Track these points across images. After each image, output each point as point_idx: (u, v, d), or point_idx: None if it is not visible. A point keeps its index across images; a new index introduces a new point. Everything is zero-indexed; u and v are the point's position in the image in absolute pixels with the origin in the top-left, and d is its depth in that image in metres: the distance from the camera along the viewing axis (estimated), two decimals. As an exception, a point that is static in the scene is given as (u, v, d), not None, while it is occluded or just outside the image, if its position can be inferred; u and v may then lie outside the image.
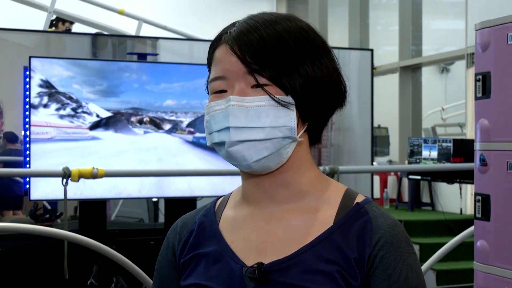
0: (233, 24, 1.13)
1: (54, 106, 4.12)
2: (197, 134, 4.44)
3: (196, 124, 4.44)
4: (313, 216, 1.12)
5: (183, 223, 1.22)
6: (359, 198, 1.14)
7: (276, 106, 1.07)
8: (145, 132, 4.33)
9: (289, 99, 1.08)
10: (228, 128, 1.07)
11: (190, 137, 4.42)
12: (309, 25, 1.14)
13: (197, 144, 4.44)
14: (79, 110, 4.18)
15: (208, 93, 1.15)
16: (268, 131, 1.07)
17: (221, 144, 1.09)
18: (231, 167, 4.75)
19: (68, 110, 4.16)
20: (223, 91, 1.10)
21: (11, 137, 5.14)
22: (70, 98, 4.16)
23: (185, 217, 1.24)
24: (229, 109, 1.07)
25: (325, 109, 1.12)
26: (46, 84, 4.10)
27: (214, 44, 1.13)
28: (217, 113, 1.09)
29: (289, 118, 1.08)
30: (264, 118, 1.07)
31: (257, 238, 1.12)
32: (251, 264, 1.09)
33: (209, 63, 1.15)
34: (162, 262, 1.22)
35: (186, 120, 4.41)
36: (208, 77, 1.14)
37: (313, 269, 1.07)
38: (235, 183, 4.38)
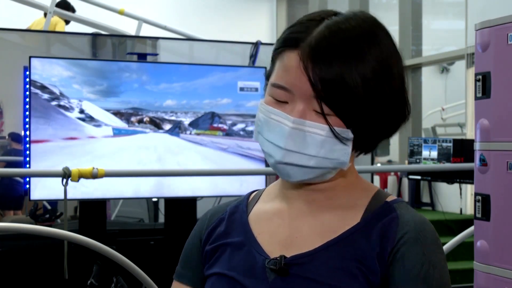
0: (311, 28, 1.04)
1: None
2: (197, 133, 4.44)
3: (199, 123, 4.44)
4: (341, 214, 1.11)
5: (215, 211, 1.24)
6: (389, 198, 1.13)
7: (333, 138, 1.04)
8: (115, 132, 4.33)
9: (349, 133, 1.05)
10: (281, 148, 1.05)
11: (224, 142, 4.41)
12: (393, 47, 1.07)
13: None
14: (61, 103, 4.13)
15: (265, 83, 1.11)
16: (319, 160, 1.05)
17: (268, 154, 1.08)
18: (231, 167, 4.69)
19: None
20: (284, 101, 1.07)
21: (16, 137, 5.16)
22: (43, 87, 4.13)
23: (217, 206, 1.26)
24: (287, 129, 1.04)
25: (382, 138, 1.11)
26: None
27: (286, 45, 1.06)
28: (273, 122, 1.06)
29: (343, 152, 1.06)
30: (318, 147, 1.04)
31: (284, 232, 1.13)
32: (274, 257, 1.10)
33: (275, 56, 1.10)
34: (189, 244, 1.24)
35: (186, 120, 4.41)
36: (269, 72, 1.11)
37: (333, 265, 1.06)
38: (235, 183, 4.38)
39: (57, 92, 4.11)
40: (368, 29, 1.05)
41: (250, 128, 4.53)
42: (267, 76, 1.12)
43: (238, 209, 1.21)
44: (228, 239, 1.17)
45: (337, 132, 1.03)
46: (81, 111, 4.17)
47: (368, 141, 1.08)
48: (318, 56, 1.01)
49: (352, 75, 1.01)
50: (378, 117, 1.05)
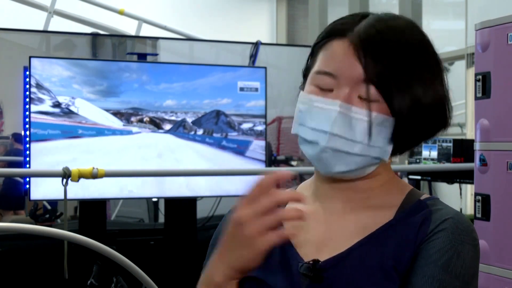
0: (357, 20, 1.07)
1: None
2: (200, 133, 4.44)
3: (202, 123, 4.44)
4: (375, 213, 1.10)
5: None
6: (423, 196, 1.12)
7: (379, 126, 1.04)
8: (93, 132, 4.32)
9: (393, 121, 1.04)
10: (326, 132, 1.04)
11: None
12: (429, 39, 1.09)
13: (200, 141, 4.44)
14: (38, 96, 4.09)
15: (303, 76, 1.11)
16: (362, 147, 1.04)
17: (312, 142, 1.06)
18: (231, 167, 4.68)
19: None
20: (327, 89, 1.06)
21: (20, 138, 5.16)
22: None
23: None
24: (333, 114, 1.03)
25: (423, 136, 1.10)
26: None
27: (333, 35, 1.07)
28: (316, 110, 1.05)
29: (387, 140, 1.05)
30: (364, 133, 1.04)
31: (318, 234, 1.11)
32: (308, 261, 1.08)
33: (317, 49, 1.10)
34: (219, 235, 1.21)
35: (188, 120, 4.41)
36: (308, 67, 1.11)
37: (367, 265, 1.05)
38: (236, 183, 4.37)
39: (32, 83, 4.05)
40: (406, 20, 1.09)
41: (258, 128, 4.52)
42: (305, 71, 1.11)
43: None
44: None
45: (382, 118, 1.03)
46: (56, 105, 4.11)
47: (408, 132, 1.06)
48: (368, 40, 1.03)
49: (399, 57, 1.02)
50: (423, 109, 1.05)
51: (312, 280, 1.06)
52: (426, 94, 1.04)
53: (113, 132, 4.25)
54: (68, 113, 4.14)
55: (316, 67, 1.08)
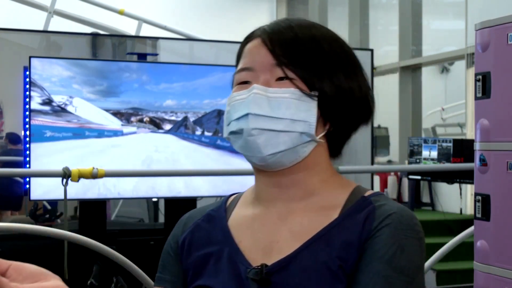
0: (267, 24, 1.16)
1: None
2: (200, 133, 4.44)
3: (203, 122, 4.44)
4: (319, 214, 1.10)
5: (190, 216, 1.22)
6: (368, 193, 1.12)
7: (298, 100, 1.07)
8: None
9: (313, 97, 1.08)
10: (247, 114, 1.06)
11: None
12: (345, 41, 1.16)
13: (206, 143, 4.44)
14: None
15: (232, 87, 1.15)
16: (287, 123, 1.06)
17: (238, 132, 1.08)
18: (231, 167, 4.67)
19: None
20: (247, 82, 1.10)
21: (14, 138, 5.15)
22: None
23: (193, 211, 1.24)
24: (250, 97, 1.07)
25: (348, 119, 1.12)
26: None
27: (246, 40, 1.15)
28: (238, 102, 1.09)
29: (309, 113, 1.07)
30: (284, 109, 1.06)
31: (265, 238, 1.11)
32: (256, 265, 1.07)
33: (238, 58, 1.16)
34: (165, 250, 1.22)
35: (190, 119, 4.41)
36: (233, 78, 1.15)
37: (314, 266, 1.04)
38: (235, 183, 4.38)
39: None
40: (319, 24, 1.17)
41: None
42: (233, 78, 1.16)
43: (217, 215, 1.19)
44: (210, 248, 1.14)
45: (301, 90, 1.07)
46: (46, 103, 4.10)
47: (333, 112, 1.09)
48: (275, 31, 1.11)
49: (307, 40, 1.09)
50: (339, 88, 1.09)
51: (260, 285, 1.05)
52: (346, 80, 1.10)
53: (112, 132, 4.25)
54: (62, 111, 4.14)
55: (236, 70, 1.15)
